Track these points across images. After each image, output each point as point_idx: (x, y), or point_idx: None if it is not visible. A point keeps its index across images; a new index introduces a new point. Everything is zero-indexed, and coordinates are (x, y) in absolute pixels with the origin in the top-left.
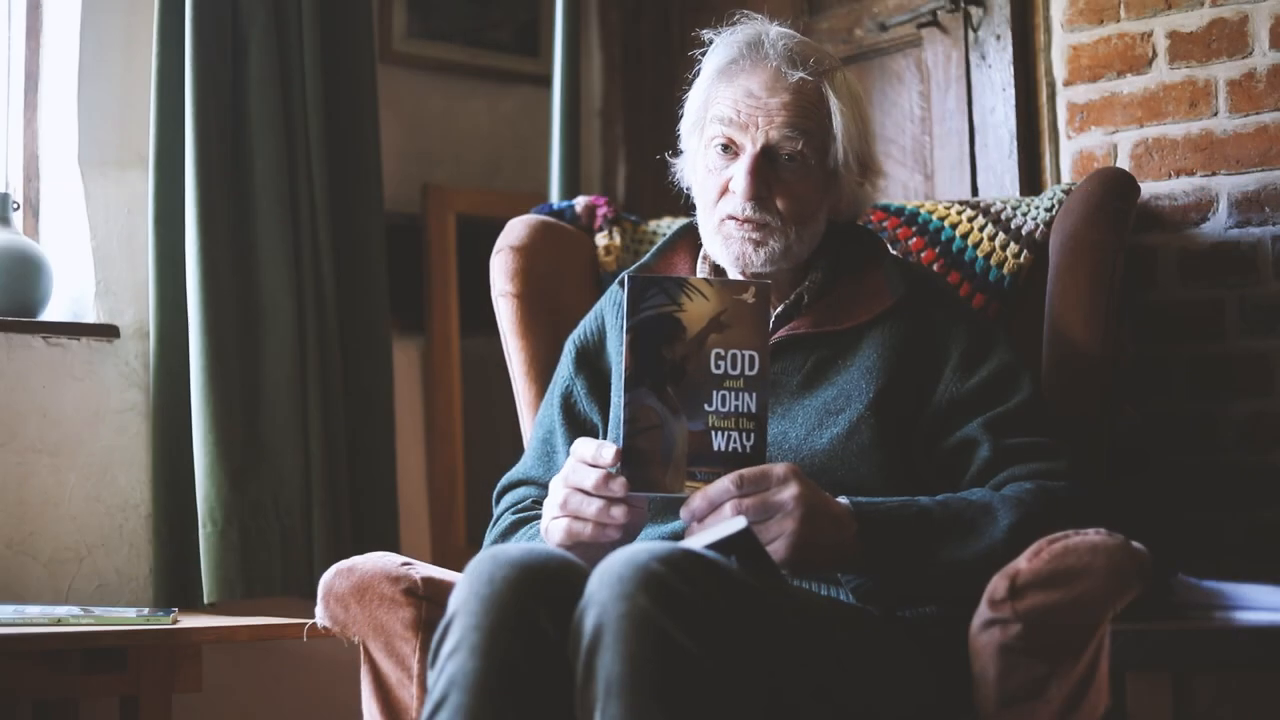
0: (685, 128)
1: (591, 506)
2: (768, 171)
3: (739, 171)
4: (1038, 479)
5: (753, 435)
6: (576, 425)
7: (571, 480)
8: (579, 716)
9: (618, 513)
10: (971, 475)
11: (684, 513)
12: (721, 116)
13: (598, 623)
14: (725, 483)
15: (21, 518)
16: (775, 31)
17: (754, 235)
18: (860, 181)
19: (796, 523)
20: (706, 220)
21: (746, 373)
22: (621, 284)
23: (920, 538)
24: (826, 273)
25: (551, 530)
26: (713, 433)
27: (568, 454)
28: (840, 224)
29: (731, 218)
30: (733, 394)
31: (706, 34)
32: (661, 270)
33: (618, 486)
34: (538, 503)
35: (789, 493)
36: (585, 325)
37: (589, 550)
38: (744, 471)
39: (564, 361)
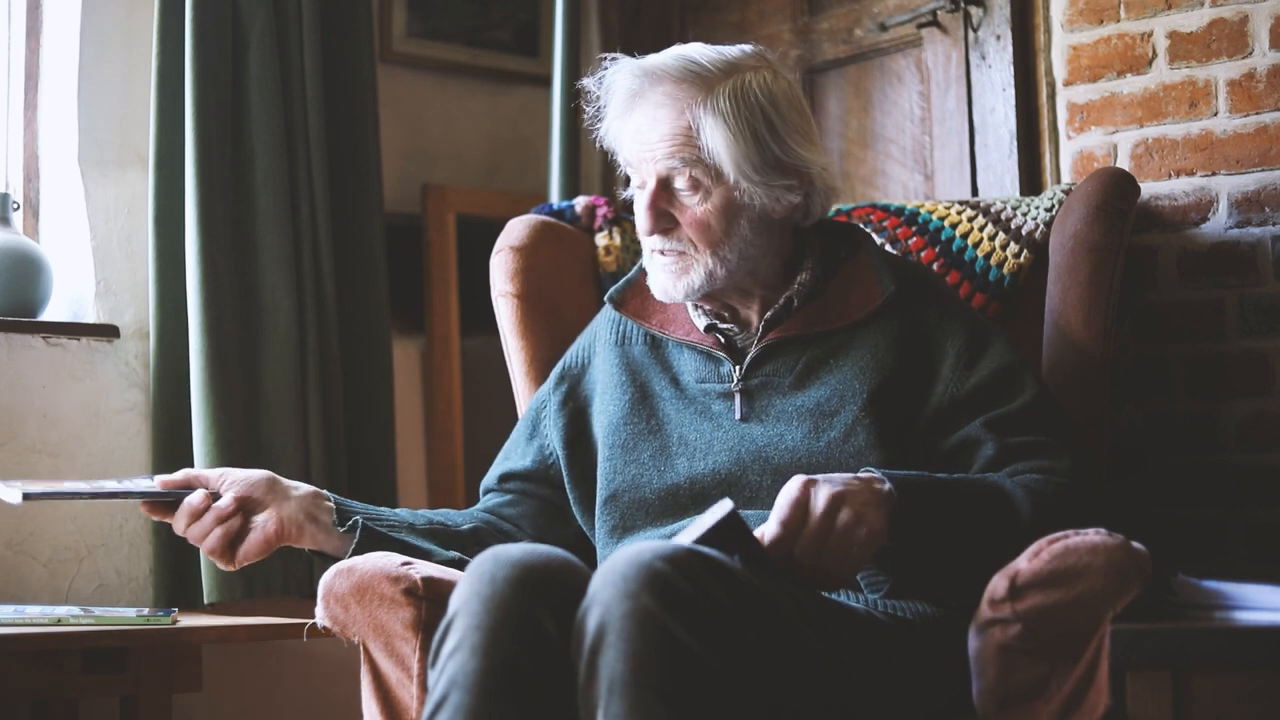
0: None
1: None
2: (670, 202)
3: (638, 208)
4: (1042, 474)
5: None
6: (537, 438)
7: None
8: (581, 716)
9: None
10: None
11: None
12: (624, 158)
13: (601, 621)
14: (774, 528)
15: (21, 518)
16: (651, 61)
17: (673, 266)
18: (787, 184)
19: (850, 513)
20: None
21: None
22: (610, 301)
23: (942, 502)
24: (815, 272)
25: None
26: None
27: (529, 457)
28: (825, 222)
29: (656, 250)
30: None
31: (587, 82)
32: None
33: None
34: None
35: (822, 497)
36: (575, 348)
37: None
38: (779, 518)
39: (550, 377)
